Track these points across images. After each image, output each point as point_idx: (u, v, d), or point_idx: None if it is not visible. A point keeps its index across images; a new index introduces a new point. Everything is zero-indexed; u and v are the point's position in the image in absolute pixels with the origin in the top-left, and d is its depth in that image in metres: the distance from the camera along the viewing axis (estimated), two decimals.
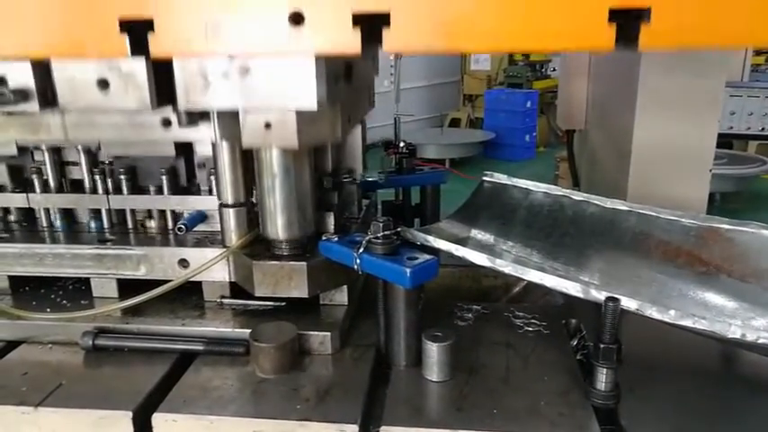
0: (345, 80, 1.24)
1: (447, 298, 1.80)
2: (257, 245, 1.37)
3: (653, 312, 1.17)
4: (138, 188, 1.50)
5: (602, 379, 1.09)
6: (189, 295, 1.43)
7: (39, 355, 1.31)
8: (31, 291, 1.49)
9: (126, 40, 1.00)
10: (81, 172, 1.49)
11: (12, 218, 1.56)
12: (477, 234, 1.73)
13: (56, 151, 1.48)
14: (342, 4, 0.93)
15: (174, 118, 1.24)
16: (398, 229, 1.22)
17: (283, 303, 1.37)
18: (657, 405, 1.14)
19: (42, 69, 1.13)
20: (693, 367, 1.28)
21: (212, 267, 1.36)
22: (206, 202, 1.45)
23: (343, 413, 1.08)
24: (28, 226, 1.54)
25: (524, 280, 1.35)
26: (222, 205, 1.37)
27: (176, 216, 1.49)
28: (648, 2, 0.88)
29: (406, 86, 9.74)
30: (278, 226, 1.30)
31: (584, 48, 0.95)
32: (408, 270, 1.12)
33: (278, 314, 1.36)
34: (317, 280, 1.30)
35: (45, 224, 1.53)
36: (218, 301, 1.41)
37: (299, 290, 1.29)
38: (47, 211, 1.53)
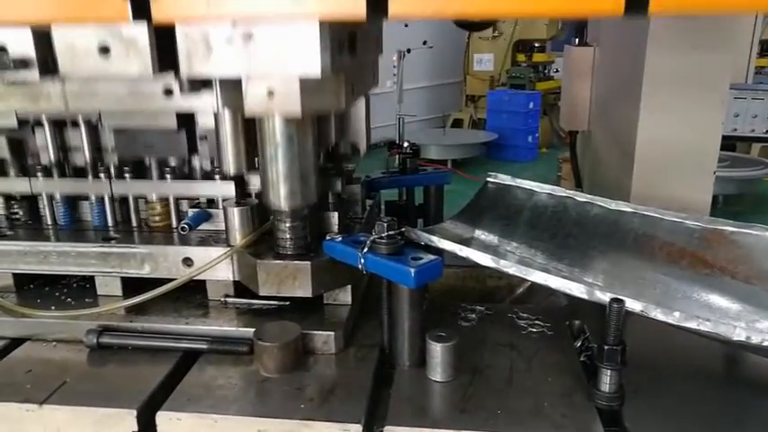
0: (349, 51, 1.22)
1: (451, 298, 1.80)
2: (261, 244, 1.37)
3: (657, 314, 1.16)
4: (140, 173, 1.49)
5: (607, 381, 1.09)
6: (193, 294, 1.43)
7: (43, 353, 1.31)
8: (35, 288, 1.49)
9: (128, 4, 0.99)
10: (83, 156, 1.47)
11: (16, 215, 1.56)
12: (480, 235, 1.73)
13: (57, 125, 1.46)
14: None
15: (175, 86, 1.23)
16: (403, 230, 1.22)
17: (287, 303, 1.37)
18: (662, 407, 1.13)
19: (42, 37, 1.12)
20: (697, 369, 1.28)
21: (216, 266, 1.36)
22: (209, 189, 1.45)
23: (346, 413, 1.08)
24: (32, 224, 1.54)
25: (528, 281, 1.35)
26: (226, 202, 1.37)
27: (179, 205, 1.49)
28: None
29: (408, 87, 9.72)
30: (280, 195, 1.27)
31: (594, 12, 0.94)
32: (413, 270, 1.12)
33: (282, 313, 1.36)
34: (321, 279, 1.30)
35: (50, 222, 1.53)
36: (222, 299, 1.41)
37: (303, 289, 1.29)
38: (51, 206, 1.53)
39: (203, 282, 1.41)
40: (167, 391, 1.15)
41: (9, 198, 1.56)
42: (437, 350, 1.18)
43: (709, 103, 1.92)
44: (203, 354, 1.28)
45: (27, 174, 1.51)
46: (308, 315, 1.34)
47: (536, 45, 10.84)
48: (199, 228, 1.44)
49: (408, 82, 9.66)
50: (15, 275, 1.47)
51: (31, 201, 1.56)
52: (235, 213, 1.36)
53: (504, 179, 1.83)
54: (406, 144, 1.98)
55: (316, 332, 1.28)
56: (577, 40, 2.56)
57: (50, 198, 1.53)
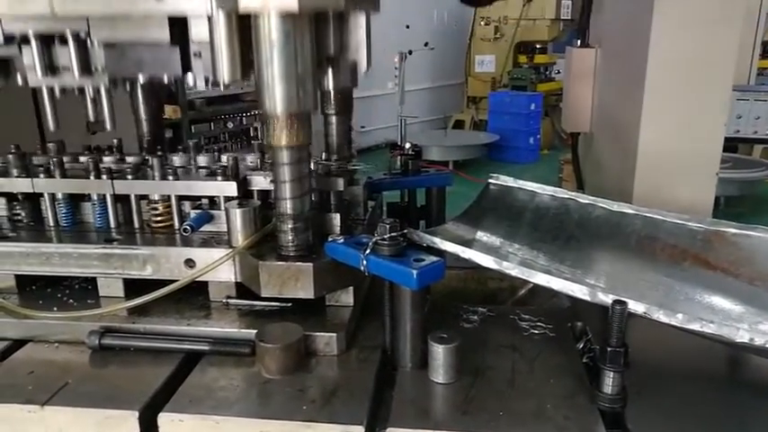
0: None
1: (453, 300, 1.80)
2: (264, 245, 1.37)
3: (660, 316, 1.16)
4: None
5: (609, 382, 1.09)
6: (195, 295, 1.43)
7: (45, 354, 1.31)
8: (37, 290, 1.49)
9: None
10: (72, 75, 1.39)
11: (18, 217, 1.56)
12: (483, 236, 1.72)
13: (45, 42, 1.39)
14: None
15: None
16: (405, 231, 1.22)
17: (289, 304, 1.37)
18: (664, 409, 1.13)
19: None
20: (700, 371, 1.28)
21: (218, 267, 1.36)
22: (211, 188, 1.44)
23: (348, 414, 1.08)
24: (35, 225, 1.55)
25: (530, 282, 1.34)
26: (228, 203, 1.37)
27: (181, 206, 1.49)
28: None
29: (410, 88, 9.73)
30: (276, 99, 1.20)
31: None
32: (415, 271, 1.12)
33: (284, 315, 1.36)
34: (323, 281, 1.30)
35: (52, 223, 1.53)
36: (224, 301, 1.41)
37: (306, 291, 1.29)
38: (53, 207, 1.53)
39: (205, 283, 1.41)
40: (169, 392, 1.15)
41: (11, 199, 1.57)
42: (439, 352, 1.17)
43: (711, 104, 1.92)
44: (205, 355, 1.27)
45: (29, 173, 1.51)
46: (310, 316, 1.34)
47: (537, 46, 10.86)
48: (201, 229, 1.44)
49: (410, 83, 9.67)
50: (17, 277, 1.47)
51: (33, 202, 1.56)
52: (237, 215, 1.36)
53: (506, 181, 1.83)
54: (407, 145, 1.98)
55: (318, 334, 1.28)
56: (579, 41, 2.55)
57: (52, 199, 1.53)
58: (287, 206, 1.29)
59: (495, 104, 10.18)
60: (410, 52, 9.27)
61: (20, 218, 1.56)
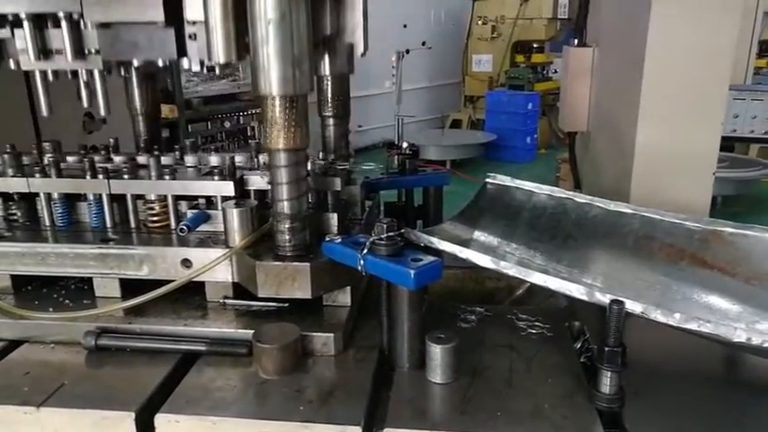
0: None
1: (450, 300, 1.80)
2: (261, 245, 1.36)
3: (658, 315, 1.16)
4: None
5: (607, 382, 1.09)
6: (192, 295, 1.42)
7: (41, 355, 1.30)
8: (33, 290, 1.49)
9: None
10: (65, 58, 1.37)
11: (14, 216, 1.56)
12: (480, 236, 1.72)
13: (37, 24, 1.36)
14: None
15: None
16: (402, 231, 1.21)
17: (286, 304, 1.37)
18: (662, 408, 1.13)
19: None
20: (697, 371, 1.28)
21: (215, 268, 1.35)
22: (209, 188, 1.44)
23: (346, 415, 1.07)
24: (31, 225, 1.54)
25: (528, 282, 1.34)
26: (225, 203, 1.37)
27: (177, 206, 1.48)
28: None
29: (407, 87, 9.73)
30: (271, 80, 1.16)
31: None
32: (412, 271, 1.12)
33: (281, 315, 1.36)
34: (320, 281, 1.29)
35: (48, 223, 1.53)
36: (221, 301, 1.41)
37: (303, 291, 1.28)
38: (48, 207, 1.52)
39: (202, 283, 1.41)
40: (166, 393, 1.15)
41: (7, 199, 1.56)
42: (437, 352, 1.17)
43: (708, 103, 1.92)
44: (202, 356, 1.27)
45: (24, 173, 1.50)
46: (308, 317, 1.34)
47: (535, 46, 10.86)
48: (198, 229, 1.43)
49: (407, 83, 9.67)
50: (13, 277, 1.46)
51: (29, 202, 1.55)
52: (234, 214, 1.35)
53: (504, 180, 1.83)
54: (405, 145, 1.98)
55: (315, 334, 1.28)
56: (576, 40, 2.55)
57: (48, 199, 1.52)
58: (284, 207, 1.29)
59: (492, 104, 10.18)
60: (407, 51, 9.27)
61: (15, 218, 1.56)
